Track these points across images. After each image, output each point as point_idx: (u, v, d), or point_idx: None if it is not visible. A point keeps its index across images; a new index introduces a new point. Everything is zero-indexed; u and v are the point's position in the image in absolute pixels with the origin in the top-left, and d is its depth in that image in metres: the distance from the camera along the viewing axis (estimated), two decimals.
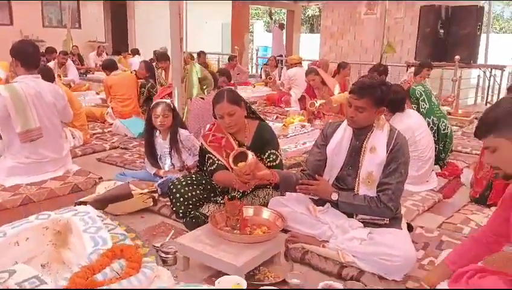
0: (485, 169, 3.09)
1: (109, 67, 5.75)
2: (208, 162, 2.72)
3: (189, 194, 2.69)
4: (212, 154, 2.69)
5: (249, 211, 2.36)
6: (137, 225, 2.67)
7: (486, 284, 1.56)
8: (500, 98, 8.35)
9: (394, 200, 2.24)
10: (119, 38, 15.30)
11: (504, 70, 8.88)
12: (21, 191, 3.01)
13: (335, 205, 2.36)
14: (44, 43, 11.63)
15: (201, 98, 3.88)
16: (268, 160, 2.70)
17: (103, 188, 2.90)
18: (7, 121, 3.04)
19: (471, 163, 3.89)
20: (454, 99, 6.84)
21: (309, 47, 15.75)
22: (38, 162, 3.21)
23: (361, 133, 2.35)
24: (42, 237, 2.15)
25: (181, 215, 2.68)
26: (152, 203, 2.87)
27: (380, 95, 2.23)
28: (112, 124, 5.33)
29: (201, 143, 2.80)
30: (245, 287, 1.68)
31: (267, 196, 2.73)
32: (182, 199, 2.68)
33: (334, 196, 2.32)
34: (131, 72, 6.94)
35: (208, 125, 3.36)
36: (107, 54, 12.47)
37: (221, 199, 2.72)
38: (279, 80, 9.28)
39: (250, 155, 2.21)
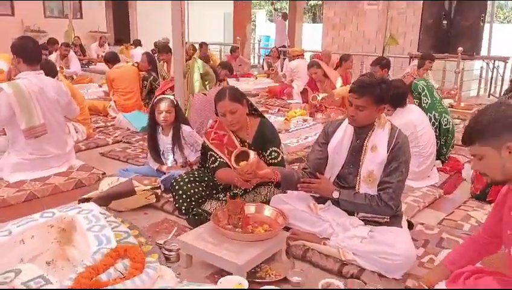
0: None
1: (111, 60, 5.75)
2: (210, 159, 2.74)
3: (192, 191, 2.72)
4: (214, 151, 2.71)
5: (250, 209, 2.39)
6: (141, 222, 2.70)
7: (482, 285, 1.58)
8: (503, 90, 8.34)
9: (395, 198, 2.26)
10: (121, 28, 15.27)
11: (507, 62, 8.82)
12: (25, 187, 3.05)
13: (336, 202, 2.39)
14: (46, 34, 11.64)
15: (204, 93, 3.89)
16: (269, 157, 2.72)
17: (106, 185, 2.92)
18: (12, 118, 3.06)
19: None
20: (456, 92, 6.81)
21: (311, 37, 15.68)
22: (43, 158, 3.24)
23: (362, 131, 2.37)
24: (47, 235, 2.19)
25: (184, 212, 2.71)
26: (155, 200, 2.90)
27: (379, 93, 2.24)
28: (114, 118, 5.34)
29: (204, 140, 2.82)
30: (246, 287, 1.71)
31: (268, 193, 2.75)
32: (184, 196, 2.70)
33: (335, 194, 2.34)
34: (133, 65, 6.94)
35: (210, 122, 3.37)
36: (109, 45, 12.45)
37: (223, 196, 2.75)
38: (281, 71, 9.26)
39: (252, 154, 2.23)
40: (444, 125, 3.76)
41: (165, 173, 3.20)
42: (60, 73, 5.87)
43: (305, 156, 4.00)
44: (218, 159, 2.69)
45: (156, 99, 3.34)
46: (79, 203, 2.69)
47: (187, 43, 9.78)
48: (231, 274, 1.98)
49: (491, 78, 9.17)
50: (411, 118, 3.38)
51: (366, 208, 2.29)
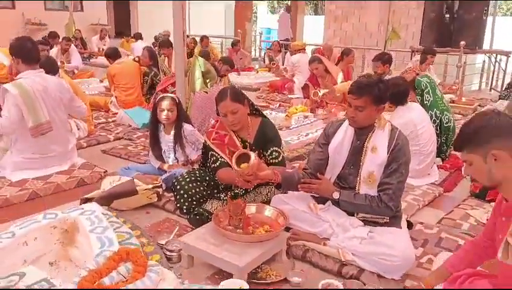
0: None
1: (112, 55, 5.74)
2: (211, 159, 2.76)
3: (193, 190, 2.74)
4: (215, 151, 2.73)
5: (251, 209, 2.41)
6: (143, 221, 2.73)
7: (476, 286, 1.61)
8: (504, 84, 8.32)
9: (395, 199, 2.28)
10: (122, 20, 15.20)
11: (509, 56, 8.79)
12: (27, 186, 3.07)
13: (336, 203, 2.40)
14: (47, 27, 11.61)
15: (205, 91, 3.90)
16: (270, 157, 2.73)
17: (108, 183, 2.93)
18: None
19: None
20: (458, 88, 6.80)
21: (313, 29, 15.61)
22: (45, 157, 3.27)
23: (362, 133, 2.38)
24: (50, 236, 2.21)
25: (185, 211, 2.73)
26: (156, 199, 2.92)
27: (378, 93, 2.26)
28: (115, 114, 5.36)
29: (205, 140, 2.84)
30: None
31: (269, 193, 2.77)
32: (185, 196, 2.72)
33: (336, 195, 2.36)
34: (134, 59, 6.93)
35: (212, 121, 3.38)
36: (109, 38, 12.41)
37: (225, 196, 2.77)
38: (283, 65, 9.24)
39: (253, 156, 2.24)
40: (445, 124, 3.76)
41: (166, 172, 3.22)
42: (61, 68, 5.88)
43: (306, 153, 4.03)
44: (219, 159, 2.70)
45: (158, 98, 3.35)
46: (81, 203, 2.72)
47: (188, 36, 9.79)
48: (232, 275, 2.01)
49: (493, 72, 9.14)
50: (411, 117, 3.39)
51: (366, 209, 2.31)
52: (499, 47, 10.15)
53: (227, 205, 2.29)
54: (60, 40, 8.34)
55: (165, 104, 3.26)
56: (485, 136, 1.52)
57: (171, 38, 6.87)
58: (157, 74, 5.88)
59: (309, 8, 24.80)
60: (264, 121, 2.84)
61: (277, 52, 9.97)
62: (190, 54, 8.77)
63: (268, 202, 2.62)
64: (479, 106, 6.59)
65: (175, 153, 3.34)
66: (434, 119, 3.75)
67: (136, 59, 6.56)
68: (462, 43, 7.35)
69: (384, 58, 5.24)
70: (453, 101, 6.31)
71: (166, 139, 3.35)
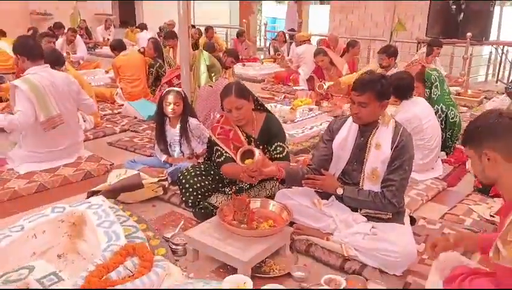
0: None
1: (118, 47, 5.75)
2: (216, 153, 2.78)
3: (198, 184, 2.77)
4: (220, 146, 2.75)
5: (255, 204, 2.44)
6: (149, 214, 2.77)
7: (476, 285, 1.63)
8: (511, 75, 8.27)
9: (398, 196, 2.30)
10: (127, 10, 15.13)
11: None
12: (35, 179, 3.11)
13: (340, 198, 2.43)
14: (52, 17, 11.60)
15: (210, 85, 3.91)
16: (275, 152, 2.75)
17: (115, 177, 2.97)
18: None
19: None
20: (464, 80, 6.76)
21: (318, 19, 15.49)
22: (54, 151, 3.31)
23: (366, 129, 2.40)
24: (58, 230, 2.26)
25: (190, 204, 2.77)
26: (162, 192, 2.96)
27: (380, 89, 2.28)
28: (121, 105, 5.39)
29: (210, 135, 2.86)
30: (251, 286, 1.77)
31: (273, 188, 2.80)
32: (191, 189, 2.76)
33: (340, 191, 2.38)
34: (139, 50, 6.94)
35: (217, 115, 3.41)
36: (114, 27, 12.40)
37: (229, 190, 2.80)
38: (288, 56, 9.21)
39: (257, 153, 2.27)
40: (451, 119, 3.74)
41: (171, 165, 3.25)
42: (67, 59, 5.90)
43: (310, 147, 4.05)
44: (224, 154, 2.73)
45: (164, 92, 3.37)
46: (88, 196, 2.76)
47: (193, 26, 9.76)
48: (236, 269, 2.05)
49: (500, 63, 9.06)
50: (416, 111, 3.39)
51: (370, 205, 2.34)
52: (507, 38, 10.05)
53: (232, 200, 2.32)
54: (66, 30, 8.34)
55: (171, 97, 3.28)
56: (480, 135, 1.57)
57: (176, 29, 6.88)
58: (162, 66, 5.89)
59: None
60: (268, 116, 2.85)
61: (282, 42, 9.93)
62: (195, 45, 8.79)
63: (272, 197, 2.65)
64: (485, 98, 6.56)
65: (180, 147, 3.37)
66: (440, 114, 3.74)
67: (141, 50, 6.57)
68: (469, 34, 7.27)
69: (389, 51, 5.21)
70: (458, 94, 6.28)
71: (172, 132, 3.38)
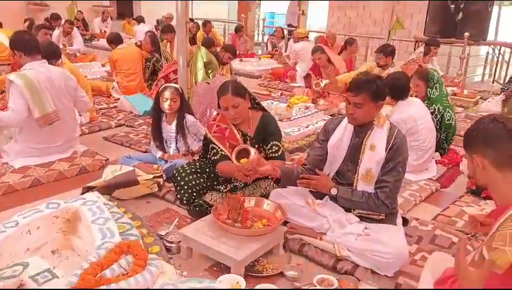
0: None
1: (114, 41, 5.73)
2: (211, 151, 2.79)
3: (193, 182, 2.78)
4: (215, 144, 2.75)
5: (250, 202, 2.46)
6: (143, 211, 2.78)
7: None
8: (507, 76, 8.29)
9: (391, 197, 2.33)
10: (124, 2, 15.03)
11: None
12: (30, 173, 3.11)
13: (334, 198, 2.45)
14: (48, 8, 11.51)
15: (207, 82, 3.90)
16: (270, 151, 2.76)
17: (110, 172, 2.97)
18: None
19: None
20: (460, 81, 6.79)
21: (317, 15, 15.46)
22: (49, 147, 3.30)
23: (361, 130, 2.41)
24: (52, 226, 2.26)
25: (185, 202, 2.78)
26: (157, 189, 2.97)
27: (376, 89, 2.30)
28: (117, 99, 5.37)
29: (206, 133, 2.87)
30: (244, 286, 1.79)
31: (268, 187, 2.81)
32: (186, 187, 2.77)
33: (334, 191, 2.40)
34: (136, 43, 6.91)
35: (214, 112, 3.40)
36: (111, 19, 12.33)
37: (224, 188, 2.81)
38: (286, 52, 9.20)
39: (253, 152, 2.28)
40: (447, 120, 3.75)
41: (167, 162, 3.26)
42: (63, 51, 5.88)
43: (306, 145, 4.06)
44: (220, 152, 2.73)
45: (161, 87, 3.37)
46: (83, 192, 2.77)
47: (192, 20, 9.72)
48: (230, 267, 2.07)
49: (497, 63, 9.10)
50: (411, 113, 3.41)
51: (363, 206, 2.36)
52: (504, 38, 10.09)
53: (227, 199, 2.34)
54: (63, 22, 8.29)
55: (168, 93, 3.28)
56: (471, 140, 1.59)
57: (173, 22, 6.85)
58: (159, 60, 5.87)
59: None
60: (264, 115, 2.86)
61: (280, 38, 9.92)
62: (193, 39, 8.75)
63: (267, 196, 2.67)
64: (481, 98, 6.59)
65: (176, 143, 3.38)
66: (436, 114, 3.74)
67: (139, 43, 6.55)
68: (466, 34, 7.29)
69: (387, 51, 5.21)
70: (455, 94, 6.31)
71: (168, 129, 3.37)
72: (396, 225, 2.38)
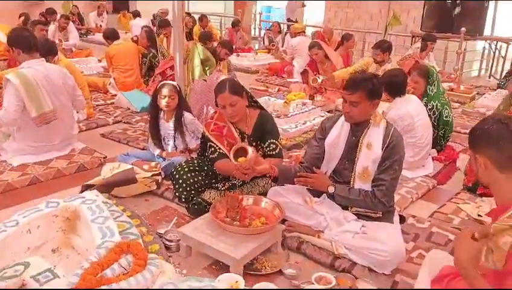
0: None
1: (111, 36, 5.71)
2: (209, 149, 2.80)
3: (192, 180, 2.79)
4: (213, 142, 2.77)
5: (248, 201, 2.48)
6: (142, 208, 2.79)
7: (463, 285, 1.67)
8: (504, 71, 8.32)
9: (388, 195, 2.35)
10: None
11: (510, 43, 8.75)
12: (28, 171, 3.11)
13: (331, 196, 2.47)
14: (43, 2, 11.41)
15: (204, 79, 3.90)
16: (268, 149, 2.78)
17: (108, 170, 2.97)
18: (21, 109, 3.10)
19: (467, 149, 3.96)
20: (456, 77, 6.81)
21: (313, 10, 15.42)
22: (46, 145, 3.30)
23: (358, 129, 2.43)
24: (52, 224, 2.28)
25: (184, 200, 2.79)
26: (155, 187, 2.98)
27: (372, 88, 2.32)
28: (114, 95, 5.36)
29: (203, 131, 2.87)
30: (243, 285, 1.81)
31: (266, 185, 2.83)
32: (184, 185, 2.78)
33: (331, 189, 2.42)
34: (132, 38, 6.89)
35: (211, 109, 3.41)
36: (107, 13, 12.26)
37: (222, 186, 2.82)
38: (282, 46, 9.19)
39: (250, 151, 2.30)
40: (445, 117, 3.77)
41: (165, 159, 3.27)
42: (59, 46, 5.83)
43: (303, 142, 4.08)
44: (218, 150, 2.74)
45: (159, 85, 3.37)
46: (82, 190, 2.78)
47: (188, 14, 9.66)
48: (229, 266, 2.09)
49: (493, 58, 9.13)
50: (408, 109, 3.42)
51: (360, 203, 2.38)
52: (501, 33, 10.11)
53: (225, 197, 2.35)
54: (58, 17, 8.24)
55: (166, 91, 3.28)
56: (474, 139, 1.60)
57: (169, 17, 6.81)
58: (155, 56, 5.86)
59: None
60: (262, 113, 2.87)
61: (277, 33, 9.90)
62: (189, 34, 8.71)
63: (265, 193, 2.69)
64: (477, 94, 6.62)
65: (174, 141, 3.38)
66: (434, 111, 3.76)
67: (135, 38, 6.53)
68: (463, 29, 7.30)
69: (384, 47, 5.22)
70: (451, 89, 6.33)
71: (166, 126, 3.38)
72: (393, 222, 2.41)
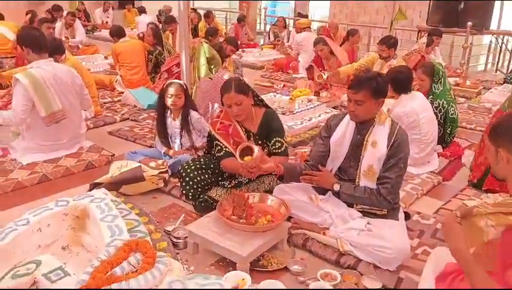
0: (484, 155, 3.17)
1: (117, 34, 5.73)
2: (215, 148, 2.83)
3: (199, 178, 2.83)
4: (219, 141, 2.80)
5: (254, 198, 2.50)
6: (150, 206, 2.83)
7: (466, 285, 1.69)
8: (510, 65, 8.27)
9: (393, 193, 2.37)
10: None
11: None
12: (38, 170, 3.16)
13: (336, 194, 2.49)
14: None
15: (210, 78, 3.93)
16: (273, 147, 2.80)
17: (116, 168, 3.02)
18: (30, 108, 3.14)
19: (473, 145, 3.96)
20: (462, 72, 6.78)
21: (318, 4, 15.37)
22: (55, 144, 3.35)
23: (363, 127, 2.45)
24: (62, 223, 2.32)
25: (191, 197, 2.83)
26: (163, 184, 3.02)
27: (376, 86, 2.33)
28: (121, 93, 5.40)
29: (210, 129, 2.90)
30: (249, 283, 1.84)
31: (272, 183, 2.85)
32: (191, 183, 2.82)
33: (336, 187, 2.45)
34: (138, 35, 6.91)
35: (216, 107, 3.43)
36: (113, 9, 12.30)
37: (229, 184, 2.86)
38: (288, 42, 9.19)
39: (256, 150, 2.32)
40: (451, 115, 3.78)
41: (171, 157, 3.30)
42: (66, 43, 5.88)
43: (309, 138, 4.10)
44: (224, 149, 2.77)
45: (166, 83, 3.40)
46: (91, 188, 2.82)
47: (194, 9, 9.67)
48: (235, 263, 2.12)
49: (500, 52, 9.07)
50: (414, 106, 3.43)
51: (365, 201, 2.41)
52: (508, 27, 10.02)
53: (231, 195, 2.38)
54: (65, 14, 8.28)
55: (173, 90, 3.31)
56: (497, 133, 1.62)
57: (174, 13, 6.82)
58: (161, 53, 5.87)
59: None
60: (267, 112, 2.89)
61: (282, 28, 9.90)
62: (194, 30, 8.72)
63: (270, 191, 2.71)
64: (484, 88, 6.59)
65: (181, 139, 3.42)
66: (440, 109, 3.77)
67: (141, 35, 6.55)
68: (469, 24, 7.26)
69: (389, 42, 5.21)
70: (457, 84, 6.31)
71: (173, 124, 3.42)
72: (398, 219, 2.43)
